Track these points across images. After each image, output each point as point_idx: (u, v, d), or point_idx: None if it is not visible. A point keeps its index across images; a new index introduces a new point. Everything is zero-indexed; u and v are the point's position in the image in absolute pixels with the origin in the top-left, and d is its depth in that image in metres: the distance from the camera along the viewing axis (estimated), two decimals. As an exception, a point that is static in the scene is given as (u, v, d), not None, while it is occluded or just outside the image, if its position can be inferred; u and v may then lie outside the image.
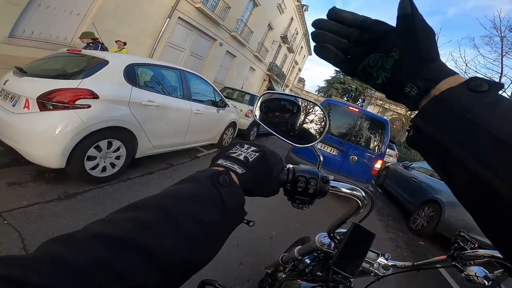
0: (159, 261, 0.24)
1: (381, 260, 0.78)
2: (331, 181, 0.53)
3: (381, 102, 26.93)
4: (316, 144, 0.56)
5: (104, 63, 2.52)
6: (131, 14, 8.07)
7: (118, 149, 2.67)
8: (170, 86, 3.35)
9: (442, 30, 45.37)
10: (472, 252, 0.71)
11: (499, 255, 0.63)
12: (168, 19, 9.45)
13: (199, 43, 12.07)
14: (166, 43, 10.08)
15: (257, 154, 0.44)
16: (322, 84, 45.27)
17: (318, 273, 0.80)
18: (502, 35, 12.41)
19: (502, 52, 12.46)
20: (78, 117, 2.20)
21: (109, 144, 2.57)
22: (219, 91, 7.21)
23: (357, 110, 4.49)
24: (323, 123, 0.57)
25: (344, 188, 0.57)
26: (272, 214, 3.01)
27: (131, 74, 2.70)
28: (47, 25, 6.39)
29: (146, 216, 0.27)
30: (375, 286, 0.80)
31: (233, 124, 5.38)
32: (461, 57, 28.90)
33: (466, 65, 13.86)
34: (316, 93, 45.34)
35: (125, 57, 2.88)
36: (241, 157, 0.43)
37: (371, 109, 26.88)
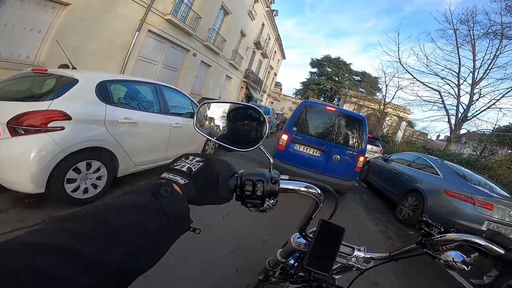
0: (93, 268, 0.25)
1: (358, 253, 0.76)
2: (283, 181, 0.55)
3: (356, 100, 28.06)
4: (261, 147, 0.57)
5: (74, 82, 2.41)
6: (96, 29, 7.82)
7: (98, 169, 2.58)
8: (146, 102, 3.27)
9: (402, 26, 48.57)
10: (440, 237, 0.69)
11: (470, 238, 0.63)
12: (137, 32, 9.26)
13: (172, 55, 11.94)
14: (137, 57, 9.86)
15: (201, 163, 0.46)
16: (299, 86, 46.52)
17: (300, 274, 0.79)
18: (455, 27, 13.38)
19: (457, 44, 13.45)
20: (52, 140, 2.11)
21: (88, 165, 2.48)
22: (197, 102, 7.20)
23: (334, 109, 4.62)
24: (261, 125, 0.59)
25: (297, 187, 0.58)
26: (262, 217, 2.99)
27: (103, 92, 2.60)
28: (7, 44, 6.06)
29: (81, 226, 0.28)
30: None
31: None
32: (422, 51, 30.46)
33: (427, 58, 14.73)
34: (294, 95, 46.41)
35: (95, 75, 2.77)
36: (184, 168, 0.45)
37: (347, 107, 27.90)
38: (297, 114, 4.55)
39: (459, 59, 13.46)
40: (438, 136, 24.76)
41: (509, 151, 14.12)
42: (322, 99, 40.00)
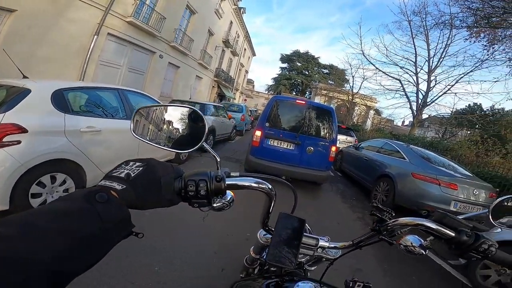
0: (21, 268, 0.27)
1: (322, 243, 0.74)
2: (231, 179, 0.56)
3: (326, 92, 29.02)
4: (204, 144, 0.58)
5: (26, 91, 2.24)
6: (48, 34, 7.28)
7: (64, 181, 2.45)
8: (110, 108, 3.11)
9: (363, 19, 50.89)
10: (393, 222, 0.68)
11: (422, 222, 0.63)
12: (95, 36, 8.72)
13: (136, 57, 11.42)
14: (98, 62, 9.29)
15: (141, 168, 0.47)
16: (271, 82, 46.98)
17: (272, 269, 0.79)
18: (409, 19, 14.26)
19: (412, 35, 14.40)
20: (9, 155, 1.99)
21: (53, 178, 2.36)
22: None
23: (304, 102, 4.76)
24: (201, 125, 0.59)
25: (247, 183, 0.59)
26: (243, 214, 2.99)
27: (60, 101, 2.44)
28: None
29: (6, 229, 0.29)
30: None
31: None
32: (381, 42, 32.25)
33: (387, 49, 15.66)
34: (266, 92, 46.80)
35: (50, 83, 2.59)
36: (123, 175, 0.45)
37: (318, 99, 28.78)
38: (268, 109, 4.61)
39: (415, 49, 14.39)
40: (403, 122, 26.46)
41: (468, 132, 15.56)
42: (294, 93, 40.81)
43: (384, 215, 0.70)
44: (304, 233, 0.71)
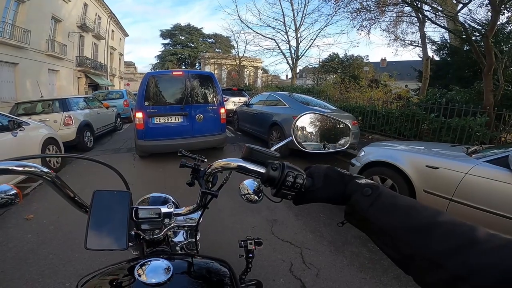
0: None
1: (166, 211, 0.62)
2: None
3: (214, 60, 28.78)
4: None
5: None
6: None
7: None
8: None
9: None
10: (208, 168, 0.58)
11: (233, 162, 0.54)
12: None
13: None
14: None
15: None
16: (155, 61, 42.52)
17: (134, 253, 0.72)
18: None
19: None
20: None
21: None
22: (12, 110, 5.27)
23: (181, 73, 4.54)
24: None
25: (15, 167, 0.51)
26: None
27: None
28: None
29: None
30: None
31: (51, 141, 4.20)
32: (254, 6, 33.71)
33: (259, 12, 16.76)
34: (152, 71, 42.22)
35: None
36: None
37: (208, 68, 28.30)
38: (144, 88, 4.18)
39: (282, 10, 15.87)
40: (287, 76, 29.77)
41: (333, 76, 19.17)
42: (184, 67, 38.68)
43: (196, 162, 0.61)
44: (143, 207, 0.62)
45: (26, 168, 0.51)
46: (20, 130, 3.51)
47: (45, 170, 0.54)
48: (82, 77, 18.41)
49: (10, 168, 0.50)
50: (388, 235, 0.36)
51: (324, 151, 0.71)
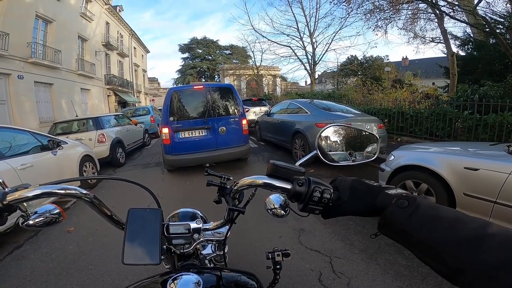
0: None
1: (195, 226, 0.66)
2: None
3: (232, 71, 29.46)
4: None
5: None
6: None
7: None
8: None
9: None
10: (234, 186, 0.59)
11: (258, 180, 0.55)
12: None
13: (-16, 85, 8.87)
14: None
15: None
16: (176, 75, 44.46)
17: (166, 266, 0.76)
18: (280, -14, 15.55)
19: (289, 3, 15.69)
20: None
21: None
22: (50, 129, 5.76)
23: (201, 86, 4.66)
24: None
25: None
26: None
27: None
28: None
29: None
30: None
31: (87, 158, 4.50)
32: (266, 15, 34.19)
33: (272, 20, 16.89)
34: (174, 85, 44.09)
35: None
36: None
37: (228, 80, 29.01)
38: (168, 103, 4.37)
39: (294, 16, 15.89)
40: (306, 82, 29.60)
41: (354, 79, 18.78)
42: (204, 79, 39.96)
43: (223, 181, 0.63)
44: (174, 223, 0.65)
45: (67, 191, 0.56)
46: (59, 149, 3.78)
47: (84, 192, 0.58)
48: (111, 95, 19.60)
49: (54, 191, 0.55)
50: (431, 248, 0.35)
51: (351, 163, 0.70)
